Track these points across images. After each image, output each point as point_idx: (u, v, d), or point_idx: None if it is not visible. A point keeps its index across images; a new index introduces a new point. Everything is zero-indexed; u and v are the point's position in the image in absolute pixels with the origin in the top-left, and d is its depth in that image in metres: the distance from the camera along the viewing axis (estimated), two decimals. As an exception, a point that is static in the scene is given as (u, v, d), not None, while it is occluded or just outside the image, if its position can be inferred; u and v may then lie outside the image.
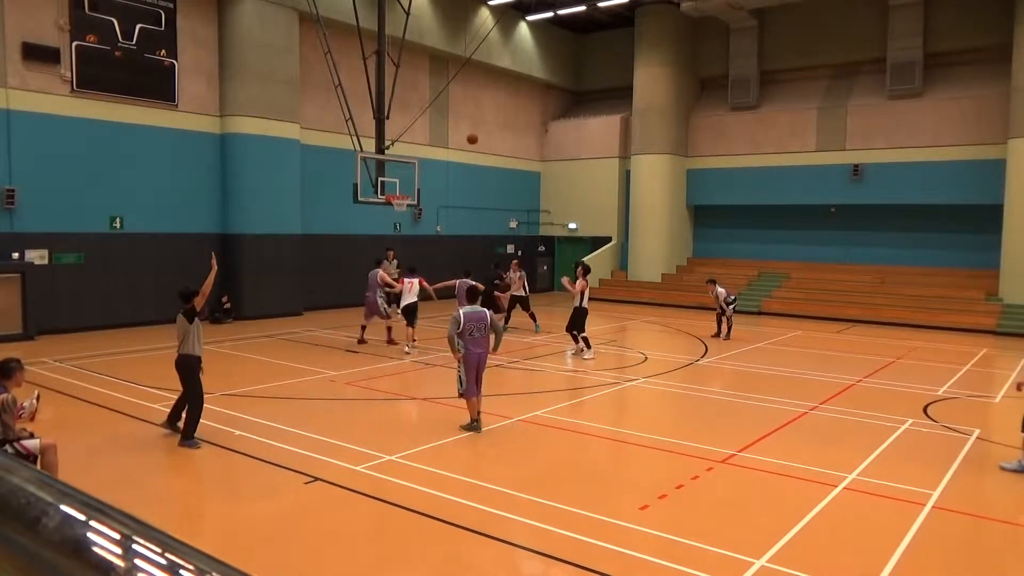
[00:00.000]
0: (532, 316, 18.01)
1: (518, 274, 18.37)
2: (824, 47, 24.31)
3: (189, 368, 8.35)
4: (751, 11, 24.09)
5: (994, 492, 7.75)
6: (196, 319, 8.40)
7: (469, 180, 26.34)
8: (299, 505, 6.74)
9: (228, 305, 18.78)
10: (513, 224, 28.50)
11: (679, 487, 7.28)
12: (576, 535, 5.97)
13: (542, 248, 29.87)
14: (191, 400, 8.35)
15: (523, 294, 18.24)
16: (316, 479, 7.27)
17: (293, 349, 15.01)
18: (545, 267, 29.90)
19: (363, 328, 15.74)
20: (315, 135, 20.97)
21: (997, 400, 11.84)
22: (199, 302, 8.42)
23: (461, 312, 9.12)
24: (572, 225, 29.15)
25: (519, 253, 28.07)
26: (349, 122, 17.81)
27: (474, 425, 9.12)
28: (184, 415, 8.41)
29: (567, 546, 5.78)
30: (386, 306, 15.68)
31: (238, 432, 8.84)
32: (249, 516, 6.53)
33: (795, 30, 24.63)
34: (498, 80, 27.22)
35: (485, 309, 9.35)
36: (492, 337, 9.28)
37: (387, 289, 15.70)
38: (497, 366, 13.63)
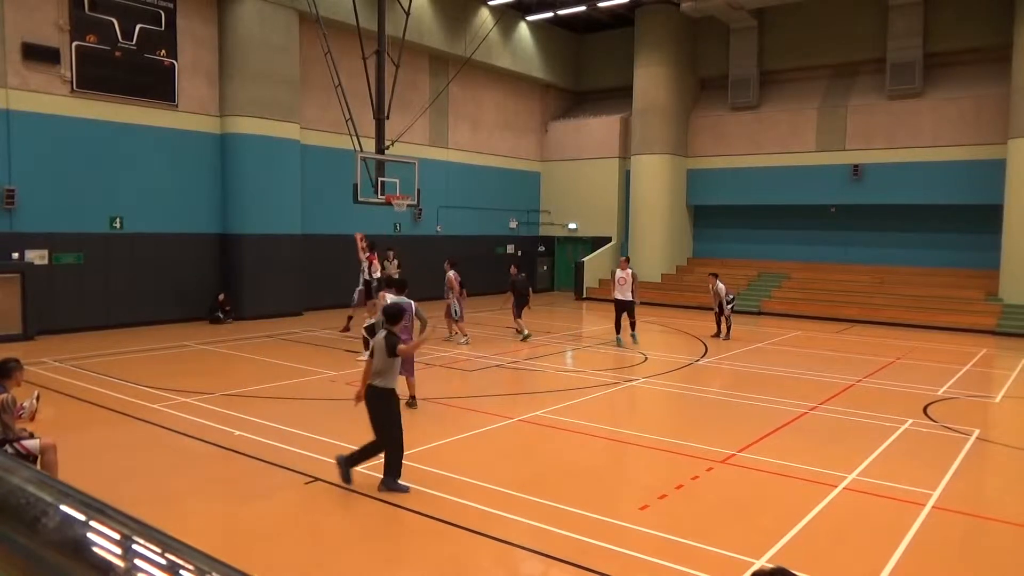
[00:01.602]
0: (632, 324, 16.19)
1: (626, 272, 15.57)
2: (824, 47, 24.31)
3: (378, 401, 7.04)
4: (751, 11, 24.10)
5: (994, 492, 7.76)
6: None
7: (469, 180, 26.35)
8: (299, 505, 6.74)
9: (228, 305, 18.76)
10: (513, 224, 28.51)
11: (679, 487, 7.27)
12: (576, 535, 5.97)
13: (542, 248, 29.88)
14: (385, 441, 6.99)
15: (631, 298, 15.63)
16: (316, 479, 7.26)
17: (293, 349, 15.01)
18: (545, 267, 29.93)
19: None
20: (315, 135, 20.98)
21: (997, 400, 11.85)
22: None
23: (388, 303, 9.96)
24: (572, 225, 29.15)
25: (518, 253, 28.07)
26: (349, 122, 17.80)
27: (412, 402, 9.97)
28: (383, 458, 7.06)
29: (567, 546, 5.78)
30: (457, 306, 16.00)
31: (238, 432, 8.84)
32: (249, 516, 6.52)
33: (795, 30, 24.63)
34: (498, 80, 27.23)
35: (411, 300, 10.15)
36: (418, 326, 9.95)
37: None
38: (497, 366, 13.64)
